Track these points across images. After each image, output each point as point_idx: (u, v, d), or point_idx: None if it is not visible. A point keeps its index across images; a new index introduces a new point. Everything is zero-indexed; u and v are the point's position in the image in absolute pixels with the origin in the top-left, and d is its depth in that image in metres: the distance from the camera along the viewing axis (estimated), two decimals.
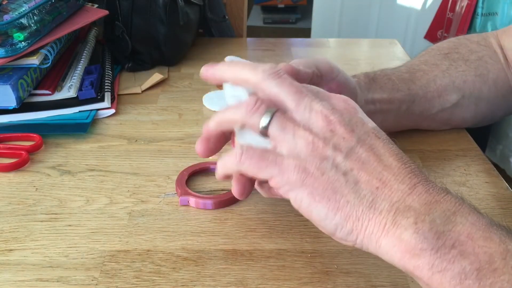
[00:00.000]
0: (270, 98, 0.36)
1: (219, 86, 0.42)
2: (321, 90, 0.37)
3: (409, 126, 0.58)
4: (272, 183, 0.34)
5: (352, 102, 0.36)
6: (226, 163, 0.38)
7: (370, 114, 0.38)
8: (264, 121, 0.35)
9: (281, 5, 2.80)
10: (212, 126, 0.40)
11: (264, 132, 0.35)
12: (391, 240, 0.30)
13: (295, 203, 0.34)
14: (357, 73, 0.55)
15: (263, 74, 0.36)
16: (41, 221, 0.45)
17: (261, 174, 0.35)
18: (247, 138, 0.37)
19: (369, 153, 0.33)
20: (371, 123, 0.36)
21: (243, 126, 0.37)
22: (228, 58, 0.44)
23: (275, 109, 0.35)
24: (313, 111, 0.34)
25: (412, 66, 0.57)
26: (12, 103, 0.61)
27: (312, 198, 0.32)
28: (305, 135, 0.34)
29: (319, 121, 0.34)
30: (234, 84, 0.39)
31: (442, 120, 0.58)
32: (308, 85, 0.38)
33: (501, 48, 0.58)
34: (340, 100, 0.36)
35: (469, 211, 0.30)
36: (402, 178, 0.31)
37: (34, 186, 0.50)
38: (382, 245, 0.30)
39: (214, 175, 0.52)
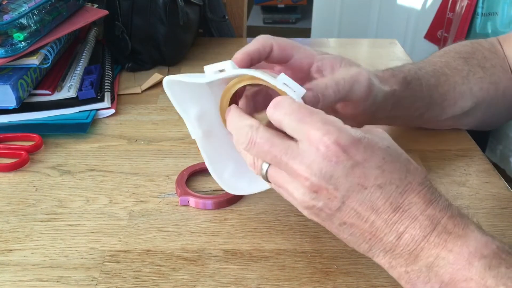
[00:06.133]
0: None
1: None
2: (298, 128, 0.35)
3: (411, 126, 0.59)
4: None
5: (330, 142, 0.33)
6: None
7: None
8: (264, 171, 0.37)
9: (281, 5, 2.79)
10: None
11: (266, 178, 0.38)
12: (394, 277, 0.35)
13: None
14: None
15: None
16: (41, 221, 0.45)
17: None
18: None
19: (356, 212, 0.33)
20: (353, 160, 0.33)
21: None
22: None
23: (268, 165, 0.37)
24: (293, 175, 0.35)
25: (436, 68, 0.56)
26: (12, 103, 0.61)
27: (326, 228, 0.37)
28: (295, 191, 0.35)
29: (300, 186, 0.34)
30: None
31: (446, 125, 0.58)
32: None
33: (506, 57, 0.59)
34: (318, 149, 0.33)
35: (452, 246, 0.32)
36: (390, 229, 0.33)
37: (34, 186, 0.50)
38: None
39: None
